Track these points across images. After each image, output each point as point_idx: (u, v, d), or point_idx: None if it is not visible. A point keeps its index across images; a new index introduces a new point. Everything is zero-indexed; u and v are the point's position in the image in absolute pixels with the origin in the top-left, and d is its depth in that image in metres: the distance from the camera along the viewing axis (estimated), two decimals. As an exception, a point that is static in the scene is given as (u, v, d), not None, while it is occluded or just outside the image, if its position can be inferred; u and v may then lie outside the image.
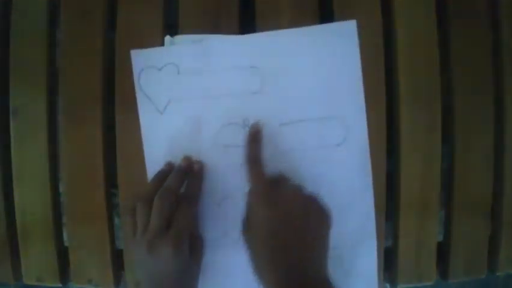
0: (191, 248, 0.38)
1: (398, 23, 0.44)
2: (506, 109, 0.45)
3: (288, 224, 0.36)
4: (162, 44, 0.44)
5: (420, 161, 0.44)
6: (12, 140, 0.45)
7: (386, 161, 0.44)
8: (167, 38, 0.43)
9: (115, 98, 0.44)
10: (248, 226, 0.38)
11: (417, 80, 0.44)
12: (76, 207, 0.45)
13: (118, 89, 0.44)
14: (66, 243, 0.47)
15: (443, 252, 0.46)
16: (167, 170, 0.42)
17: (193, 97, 0.43)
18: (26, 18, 0.45)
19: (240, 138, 0.43)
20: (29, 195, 0.45)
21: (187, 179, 0.41)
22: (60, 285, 0.46)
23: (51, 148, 0.45)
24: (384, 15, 0.45)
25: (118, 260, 0.46)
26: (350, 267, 0.44)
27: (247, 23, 0.44)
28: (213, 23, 0.44)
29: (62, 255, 0.46)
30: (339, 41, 0.43)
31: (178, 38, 0.44)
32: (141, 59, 0.44)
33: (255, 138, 0.41)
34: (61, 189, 0.46)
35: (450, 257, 0.45)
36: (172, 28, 0.44)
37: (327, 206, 0.37)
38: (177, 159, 0.43)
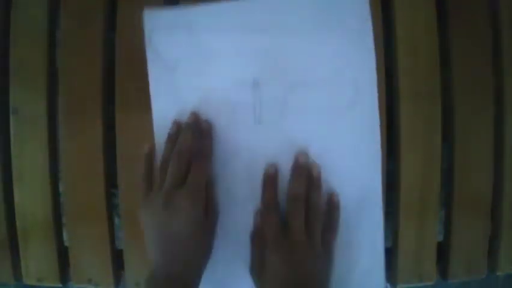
0: (205, 207, 0.39)
1: (398, 23, 0.44)
2: (506, 109, 0.45)
3: (300, 268, 0.37)
4: (162, 44, 0.44)
5: (420, 161, 0.44)
6: (12, 140, 0.45)
7: (386, 161, 0.44)
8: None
9: (115, 98, 0.44)
10: (260, 269, 0.39)
11: (417, 80, 0.44)
12: (76, 207, 0.45)
13: (118, 89, 0.44)
14: (66, 243, 0.47)
15: (443, 252, 0.46)
16: (177, 130, 0.42)
17: (203, 56, 0.43)
18: (26, 18, 0.45)
19: (249, 98, 0.43)
20: (29, 195, 0.45)
21: (198, 139, 0.41)
22: (60, 285, 0.46)
23: (52, 148, 0.45)
24: (384, 15, 0.45)
25: (118, 260, 0.46)
26: (355, 232, 0.43)
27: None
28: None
29: (62, 255, 0.46)
30: (350, 1, 0.42)
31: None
32: (153, 19, 0.44)
33: (271, 182, 0.42)
34: (61, 189, 0.46)
35: (450, 257, 0.45)
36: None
37: (332, 252, 0.40)
38: (185, 118, 0.43)
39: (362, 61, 0.43)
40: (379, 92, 0.43)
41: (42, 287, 0.46)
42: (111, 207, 0.46)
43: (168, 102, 0.44)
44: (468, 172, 0.45)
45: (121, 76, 0.44)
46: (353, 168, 0.43)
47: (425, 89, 0.44)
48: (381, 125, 0.44)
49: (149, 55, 0.44)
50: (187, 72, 0.43)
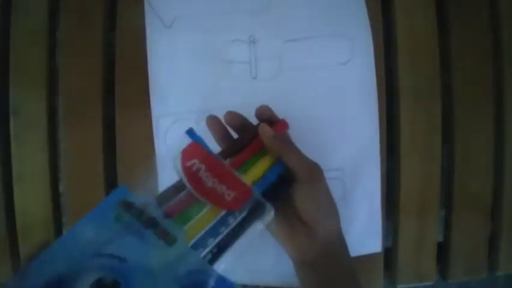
0: None
1: (398, 23, 0.44)
2: (506, 109, 0.45)
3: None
4: (162, 44, 0.44)
5: (420, 161, 0.44)
6: (12, 140, 0.45)
7: (386, 161, 0.44)
8: None
9: (115, 98, 0.44)
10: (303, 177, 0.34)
11: (417, 80, 0.44)
12: (76, 207, 0.45)
13: (118, 89, 0.44)
14: (66, 243, 0.46)
15: (443, 252, 0.46)
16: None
17: (200, 13, 0.44)
18: (26, 18, 0.45)
19: (245, 54, 0.43)
20: (29, 195, 0.45)
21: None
22: (60, 285, 0.46)
23: (52, 148, 0.45)
24: (384, 15, 0.45)
25: (118, 260, 0.46)
26: (353, 193, 0.44)
27: None
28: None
29: (62, 255, 0.46)
30: None
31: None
32: None
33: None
34: (61, 189, 0.46)
35: (450, 257, 0.45)
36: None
37: None
38: (181, 75, 0.43)
39: (356, 17, 0.43)
40: (379, 92, 0.44)
41: (42, 287, 0.46)
42: (111, 207, 0.46)
43: (165, 60, 0.44)
44: (468, 172, 0.45)
45: (121, 76, 0.44)
46: (350, 127, 0.43)
47: (425, 89, 0.44)
48: (381, 125, 0.44)
49: (147, 13, 0.44)
50: (183, 29, 0.44)
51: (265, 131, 0.33)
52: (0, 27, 0.45)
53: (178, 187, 0.28)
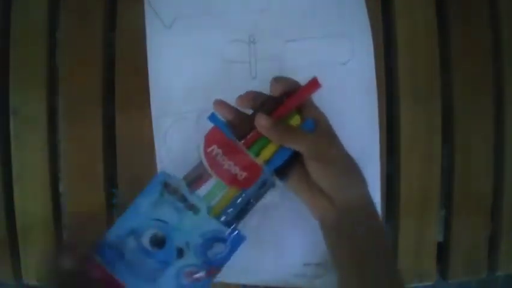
0: None
1: (398, 23, 0.44)
2: (506, 109, 0.45)
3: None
4: (162, 44, 0.44)
5: (420, 161, 0.44)
6: (12, 140, 0.45)
7: (386, 161, 0.44)
8: None
9: (115, 98, 0.44)
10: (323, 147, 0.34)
11: (417, 80, 0.44)
12: (76, 207, 0.45)
13: (118, 89, 0.44)
14: (66, 243, 0.46)
15: (443, 252, 0.46)
16: None
17: (200, 13, 0.44)
18: (26, 18, 0.45)
19: (245, 54, 0.43)
20: (29, 195, 0.45)
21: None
22: (60, 285, 0.46)
23: (52, 148, 0.45)
24: (384, 15, 0.45)
25: (118, 260, 0.46)
26: None
27: None
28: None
29: (62, 255, 0.46)
30: None
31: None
32: None
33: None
34: (61, 189, 0.46)
35: (450, 257, 0.45)
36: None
37: None
38: (181, 75, 0.44)
39: (356, 17, 0.43)
40: (379, 92, 0.44)
41: (43, 287, 0.46)
42: (111, 207, 0.46)
43: (165, 61, 0.44)
44: (468, 172, 0.45)
45: (121, 76, 0.44)
46: (350, 127, 0.42)
47: (425, 89, 0.44)
48: (381, 125, 0.44)
49: (147, 13, 0.44)
50: (183, 29, 0.44)
51: (261, 123, 0.33)
52: (0, 27, 0.45)
53: (201, 168, 0.34)
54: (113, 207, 0.46)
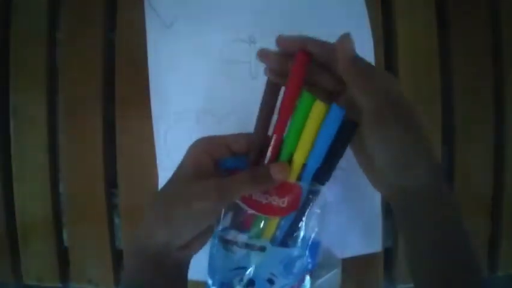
0: None
1: (398, 23, 0.44)
2: (506, 109, 0.45)
3: None
4: (162, 44, 0.44)
5: (420, 161, 0.44)
6: (12, 140, 0.45)
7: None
8: None
9: (115, 97, 0.44)
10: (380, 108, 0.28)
11: (417, 80, 0.44)
12: (76, 207, 0.45)
13: (118, 89, 0.44)
14: (66, 243, 0.46)
15: (443, 252, 0.46)
16: None
17: (200, 13, 0.44)
18: (26, 18, 0.45)
19: (245, 54, 0.43)
20: (29, 195, 0.45)
21: None
22: (60, 285, 0.46)
23: (52, 148, 0.45)
24: (384, 15, 0.45)
25: (118, 260, 0.46)
26: (352, 189, 0.43)
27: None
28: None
29: (62, 255, 0.46)
30: None
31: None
32: None
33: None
34: (61, 189, 0.46)
35: (450, 257, 0.45)
36: (172, 28, 0.44)
37: None
38: (181, 75, 0.44)
39: (356, 17, 0.43)
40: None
41: (42, 287, 0.46)
42: (111, 207, 0.46)
43: (165, 60, 0.44)
44: (468, 172, 0.45)
45: (121, 76, 0.44)
46: None
47: (425, 89, 0.44)
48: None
49: (147, 13, 0.44)
50: (183, 29, 0.44)
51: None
52: (0, 27, 0.45)
53: (242, 211, 0.33)
54: (113, 207, 0.46)
